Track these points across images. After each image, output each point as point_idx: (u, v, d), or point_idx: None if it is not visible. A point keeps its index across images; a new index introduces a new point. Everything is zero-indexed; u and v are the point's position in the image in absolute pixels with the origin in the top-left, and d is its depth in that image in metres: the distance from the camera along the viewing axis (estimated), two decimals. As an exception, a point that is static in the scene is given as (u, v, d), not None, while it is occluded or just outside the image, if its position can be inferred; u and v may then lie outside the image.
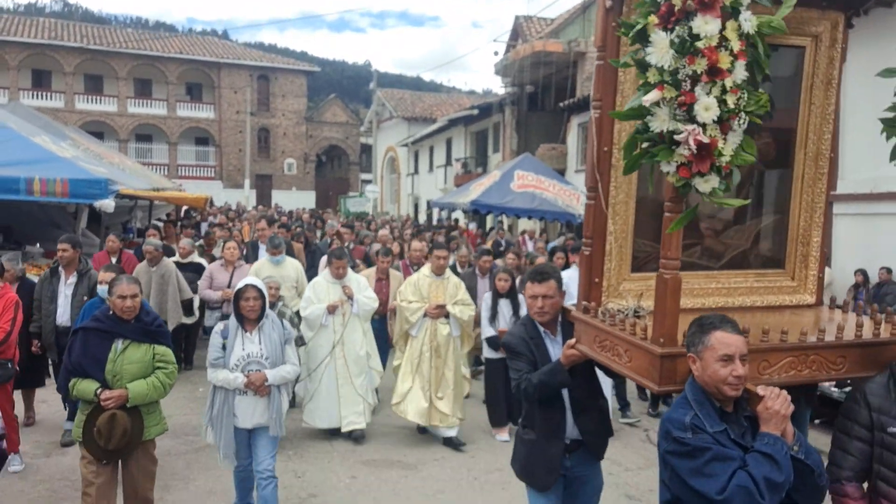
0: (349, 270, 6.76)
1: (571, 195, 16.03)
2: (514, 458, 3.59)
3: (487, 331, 6.77)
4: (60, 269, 6.34)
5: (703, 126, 2.17)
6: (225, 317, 6.63)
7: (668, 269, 2.45)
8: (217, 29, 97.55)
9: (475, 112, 26.62)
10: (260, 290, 4.52)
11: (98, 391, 3.99)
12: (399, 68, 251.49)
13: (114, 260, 7.72)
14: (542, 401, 3.33)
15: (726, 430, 2.36)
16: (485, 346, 6.90)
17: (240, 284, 4.60)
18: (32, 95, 37.09)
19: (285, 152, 43.71)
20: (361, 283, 6.84)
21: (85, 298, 6.08)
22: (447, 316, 6.59)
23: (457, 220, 21.52)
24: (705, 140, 2.17)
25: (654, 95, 2.21)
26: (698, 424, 2.33)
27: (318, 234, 15.19)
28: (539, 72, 21.72)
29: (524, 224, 20.10)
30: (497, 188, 16.01)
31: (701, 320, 2.44)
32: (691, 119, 2.18)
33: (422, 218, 30.23)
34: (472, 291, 7.56)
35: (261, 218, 9.11)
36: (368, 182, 39.58)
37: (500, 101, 24.71)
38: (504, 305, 6.73)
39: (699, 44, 2.14)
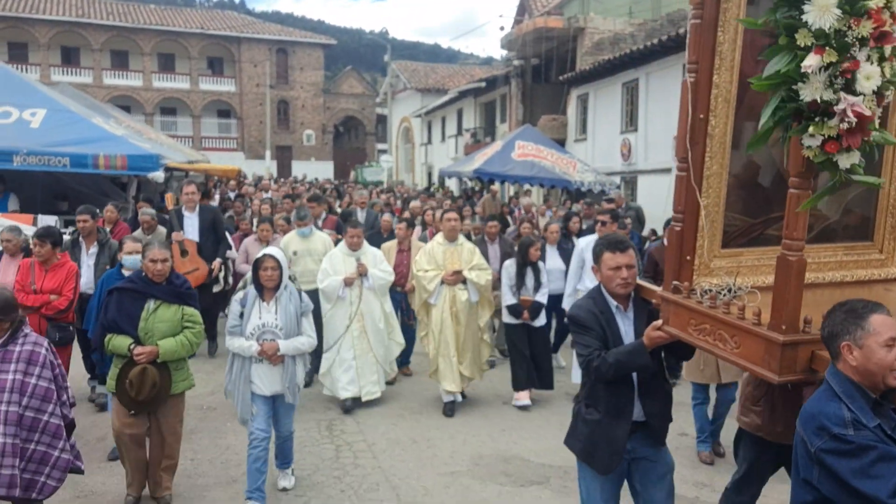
0: (364, 243, 6.56)
1: (568, 163, 17.14)
2: (573, 436, 3.34)
3: (509, 299, 6.56)
4: (81, 239, 6.37)
5: (862, 97, 1.93)
6: None
7: (792, 251, 2.24)
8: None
9: (483, 85, 26.99)
10: (278, 261, 4.45)
11: (131, 346, 4.16)
12: (417, 35, 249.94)
13: (108, 229, 7.68)
14: (610, 380, 3.09)
15: (880, 424, 2.15)
16: (505, 312, 6.69)
17: (259, 254, 4.54)
18: (63, 72, 37.72)
19: (304, 124, 44.30)
20: (378, 256, 6.61)
21: (107, 267, 6.13)
22: (464, 282, 6.39)
23: (464, 188, 22.87)
24: (866, 113, 1.93)
25: (814, 60, 1.94)
26: (858, 420, 2.12)
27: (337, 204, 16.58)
28: (541, 46, 21.90)
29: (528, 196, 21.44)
30: (499, 157, 16.45)
31: (848, 305, 2.24)
32: (849, 89, 1.94)
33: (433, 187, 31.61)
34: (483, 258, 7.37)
35: (190, 182, 8.10)
36: (384, 152, 40.89)
37: (506, 74, 24.93)
38: (528, 274, 6.57)
39: (870, 3, 1.91)
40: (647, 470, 3.25)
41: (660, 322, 2.86)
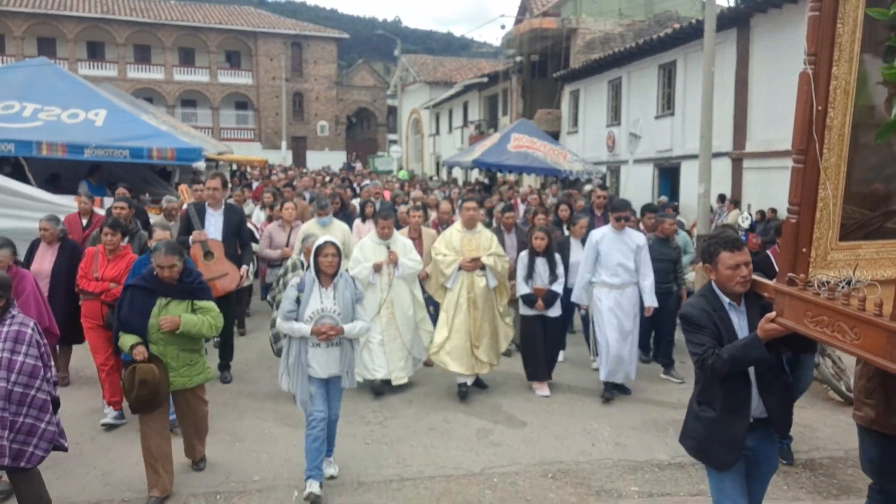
0: (395, 232, 6.73)
1: (559, 154, 18.91)
2: (687, 435, 3.34)
3: (523, 289, 6.65)
4: None
5: None
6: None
7: None
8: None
9: (485, 80, 29.15)
10: (338, 248, 4.56)
11: (133, 346, 4.31)
12: (430, 23, 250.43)
13: (85, 221, 7.56)
14: (725, 376, 3.07)
15: None
16: (520, 303, 6.80)
17: (319, 241, 4.61)
18: (89, 66, 39.89)
19: (318, 115, 46.37)
20: (407, 245, 6.77)
21: (136, 257, 6.09)
22: (483, 268, 6.51)
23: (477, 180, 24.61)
24: None
25: None
26: None
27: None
28: (538, 45, 23.94)
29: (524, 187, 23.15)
30: (496, 149, 18.28)
31: None
32: None
33: (443, 175, 33.45)
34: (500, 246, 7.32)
35: (215, 175, 7.31)
36: (394, 142, 42.53)
37: (507, 70, 27.10)
38: (540, 264, 6.63)
39: None
40: (753, 471, 3.32)
41: (773, 314, 2.87)
